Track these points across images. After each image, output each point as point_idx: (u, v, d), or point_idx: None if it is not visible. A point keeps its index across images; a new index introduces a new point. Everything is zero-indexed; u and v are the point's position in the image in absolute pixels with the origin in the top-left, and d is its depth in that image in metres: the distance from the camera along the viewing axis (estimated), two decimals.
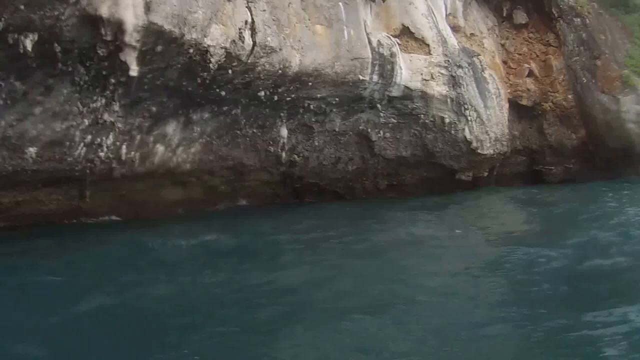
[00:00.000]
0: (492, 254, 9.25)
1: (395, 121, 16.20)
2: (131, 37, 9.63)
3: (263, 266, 8.40)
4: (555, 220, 13.14)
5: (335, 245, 9.88)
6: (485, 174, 19.17)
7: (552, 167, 23.18)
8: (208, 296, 6.82)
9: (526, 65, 22.20)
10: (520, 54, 22.35)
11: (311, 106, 14.29)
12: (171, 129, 12.35)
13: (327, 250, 9.49)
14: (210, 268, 8.17)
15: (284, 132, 14.41)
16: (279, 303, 6.57)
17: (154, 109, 11.60)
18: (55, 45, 9.10)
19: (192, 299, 6.65)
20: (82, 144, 11.01)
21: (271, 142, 14.37)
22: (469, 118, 17.57)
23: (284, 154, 14.73)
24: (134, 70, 10.03)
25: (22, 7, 8.28)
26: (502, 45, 21.94)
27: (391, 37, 15.67)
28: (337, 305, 6.32)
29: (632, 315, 5.45)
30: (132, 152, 11.98)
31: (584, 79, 22.98)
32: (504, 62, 21.75)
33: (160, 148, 12.45)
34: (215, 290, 7.03)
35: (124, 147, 11.71)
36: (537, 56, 22.70)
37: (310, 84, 13.70)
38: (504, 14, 22.45)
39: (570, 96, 22.66)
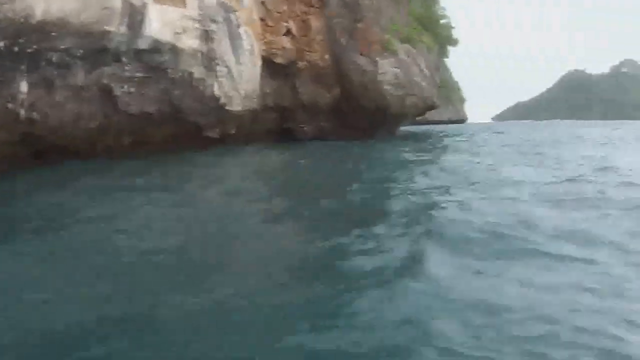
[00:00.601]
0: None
1: (141, 75, 17.47)
2: None
3: None
4: (281, 178, 14.93)
5: None
6: (234, 130, 21.61)
7: (304, 125, 26.84)
8: None
9: (284, 24, 25.26)
10: (279, 12, 25.28)
11: (53, 58, 15.01)
12: None
13: None
14: None
15: (24, 87, 14.40)
16: None
17: None
18: None
19: None
20: None
21: (10, 99, 14.18)
22: (219, 74, 20.02)
23: (22, 111, 14.50)
24: None
25: None
26: (262, 2, 24.57)
27: None
28: None
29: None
30: None
31: (342, 40, 26.83)
32: (262, 20, 24.35)
33: None
34: None
35: None
36: (298, 15, 25.88)
37: (54, 34, 14.50)
38: None
39: (327, 56, 26.37)
